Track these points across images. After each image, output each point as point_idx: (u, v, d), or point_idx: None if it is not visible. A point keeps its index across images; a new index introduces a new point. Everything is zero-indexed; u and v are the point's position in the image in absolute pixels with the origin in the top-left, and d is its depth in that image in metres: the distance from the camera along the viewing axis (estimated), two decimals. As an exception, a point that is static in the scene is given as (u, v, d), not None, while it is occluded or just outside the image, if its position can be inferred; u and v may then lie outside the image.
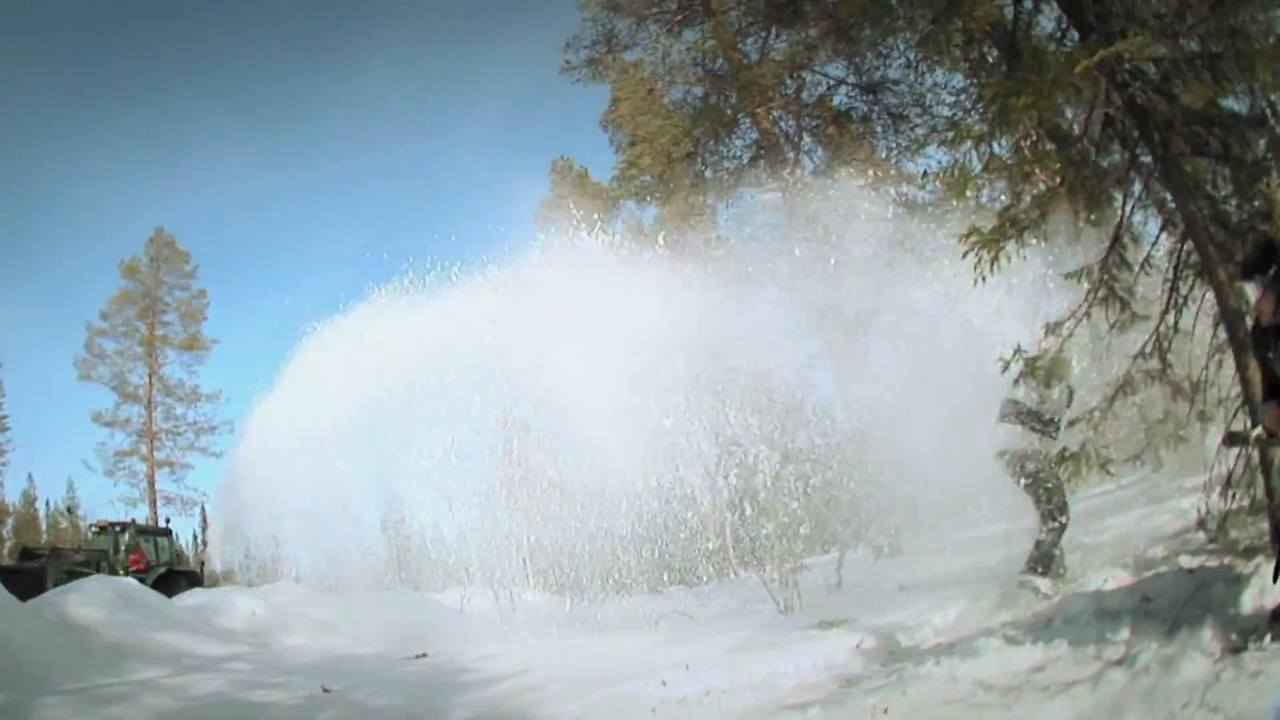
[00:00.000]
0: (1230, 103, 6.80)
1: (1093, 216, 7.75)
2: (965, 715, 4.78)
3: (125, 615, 9.55)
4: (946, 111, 17.37)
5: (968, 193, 8.10)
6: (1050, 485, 8.49)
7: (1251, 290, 4.84)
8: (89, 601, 9.57)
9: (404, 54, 63.57)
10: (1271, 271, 4.61)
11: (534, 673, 7.74)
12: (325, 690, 7.37)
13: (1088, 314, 7.70)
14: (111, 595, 9.92)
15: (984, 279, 7.25)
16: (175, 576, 19.82)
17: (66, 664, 7.86)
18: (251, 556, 19.50)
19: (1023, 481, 8.58)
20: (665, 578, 12.83)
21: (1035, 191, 7.44)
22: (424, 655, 9.48)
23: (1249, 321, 5.44)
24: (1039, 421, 8.71)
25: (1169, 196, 7.12)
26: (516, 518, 13.78)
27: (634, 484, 12.63)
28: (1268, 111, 6.68)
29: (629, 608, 11.89)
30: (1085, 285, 7.70)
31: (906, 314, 14.03)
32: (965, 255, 7.26)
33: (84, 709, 6.64)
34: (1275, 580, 4.81)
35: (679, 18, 21.22)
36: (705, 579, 12.41)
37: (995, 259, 7.15)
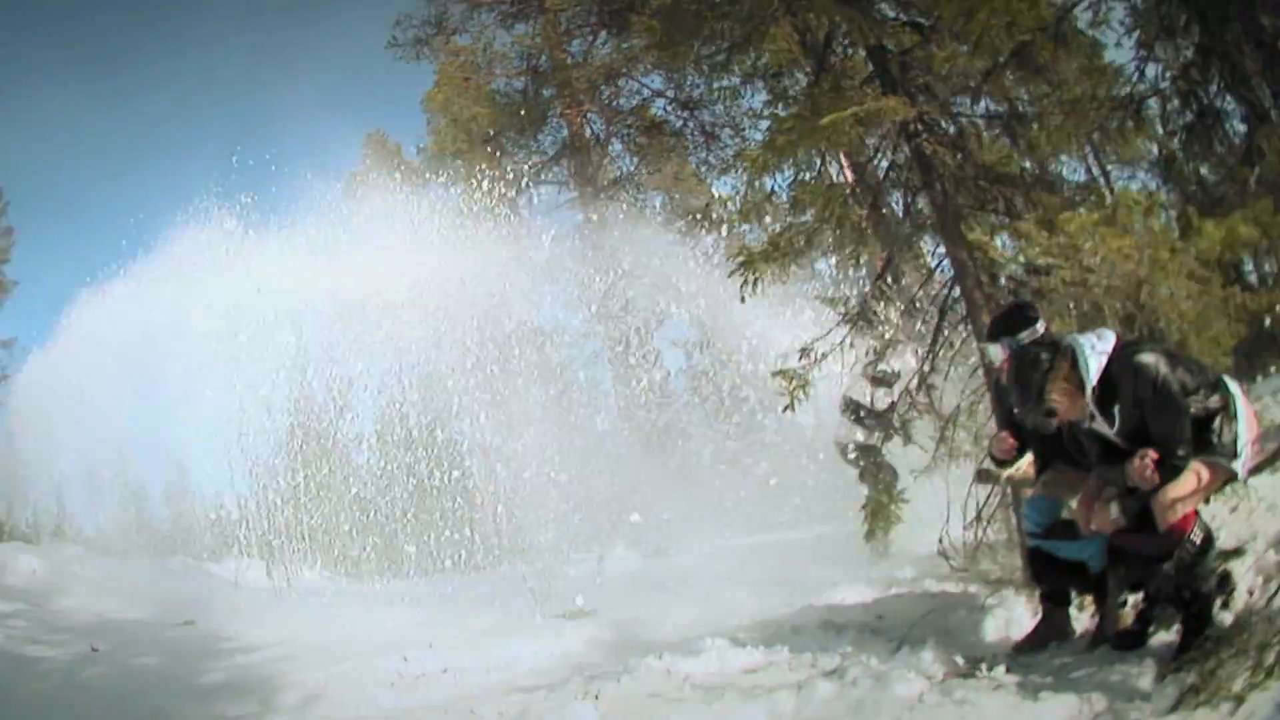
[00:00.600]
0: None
1: (857, 251, 8.43)
2: (664, 709, 4.91)
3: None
4: (760, 135, 18.01)
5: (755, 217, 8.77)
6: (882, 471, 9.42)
7: (996, 351, 5.06)
8: None
9: (239, 11, 60.54)
10: (1017, 336, 4.87)
11: (290, 644, 7.83)
12: (94, 649, 7.51)
13: (844, 340, 8.26)
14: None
15: (743, 299, 7.81)
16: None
17: None
18: (34, 514, 18.75)
19: (859, 467, 9.35)
20: (440, 562, 13.04)
21: (804, 222, 7.86)
22: (191, 623, 9.59)
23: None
24: (872, 417, 9.76)
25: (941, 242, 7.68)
26: (297, 493, 13.80)
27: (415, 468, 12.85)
28: (1103, 180, 7.28)
29: (399, 589, 12.14)
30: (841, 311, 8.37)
31: (693, 323, 14.61)
32: (731, 274, 7.80)
33: None
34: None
35: (513, 10, 21.17)
36: (476, 565, 12.68)
37: (758, 279, 7.66)
